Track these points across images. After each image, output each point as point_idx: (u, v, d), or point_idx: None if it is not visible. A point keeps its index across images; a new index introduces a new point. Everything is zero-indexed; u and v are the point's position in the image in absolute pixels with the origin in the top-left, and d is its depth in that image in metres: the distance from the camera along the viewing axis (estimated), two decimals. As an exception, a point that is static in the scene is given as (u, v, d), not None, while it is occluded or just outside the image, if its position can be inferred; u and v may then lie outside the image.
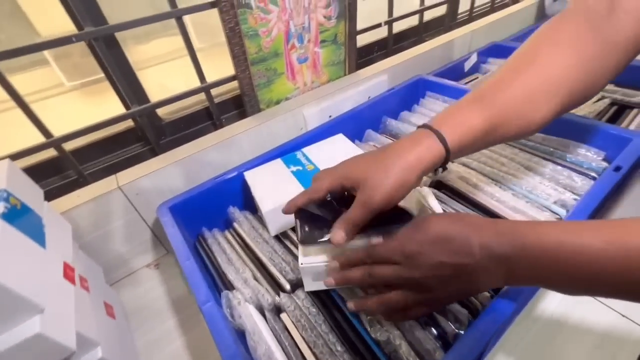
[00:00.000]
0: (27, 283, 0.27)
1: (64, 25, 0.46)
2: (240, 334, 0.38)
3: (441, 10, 0.96)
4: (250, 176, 0.52)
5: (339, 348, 0.36)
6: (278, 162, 0.55)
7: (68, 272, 0.35)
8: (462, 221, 0.29)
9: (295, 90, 0.67)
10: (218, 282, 0.44)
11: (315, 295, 0.41)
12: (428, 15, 0.92)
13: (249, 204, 0.55)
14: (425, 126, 0.34)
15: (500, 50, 0.90)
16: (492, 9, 1.13)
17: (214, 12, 0.51)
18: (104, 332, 0.36)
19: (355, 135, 0.69)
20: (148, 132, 0.57)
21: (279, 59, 0.60)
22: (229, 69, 0.58)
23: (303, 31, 0.61)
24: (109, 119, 0.52)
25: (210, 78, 0.58)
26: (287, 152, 0.58)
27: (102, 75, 0.52)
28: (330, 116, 0.68)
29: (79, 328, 0.31)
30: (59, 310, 0.30)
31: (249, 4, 0.51)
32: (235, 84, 0.60)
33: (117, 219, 0.51)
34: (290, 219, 0.37)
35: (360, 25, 0.71)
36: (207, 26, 0.81)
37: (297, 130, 0.65)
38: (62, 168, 0.54)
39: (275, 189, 0.49)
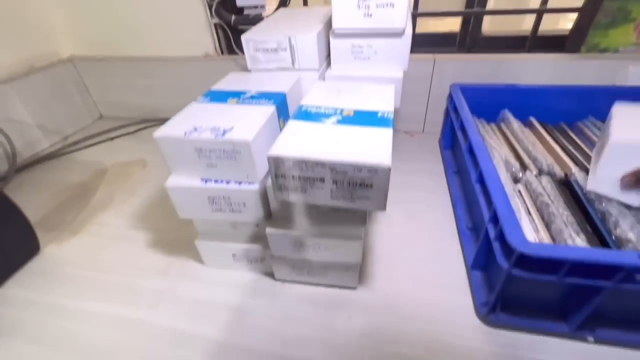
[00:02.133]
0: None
1: None
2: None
3: None
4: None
5: (573, 226, 0.38)
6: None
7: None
8: None
9: (633, 46, 0.61)
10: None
11: (562, 189, 0.44)
12: None
13: (524, 117, 0.60)
14: None
15: None
16: None
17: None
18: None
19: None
20: (467, 39, 0.70)
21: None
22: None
23: (698, -23, 0.53)
24: (449, 11, 0.67)
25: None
26: (589, 94, 0.57)
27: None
28: (660, 86, 0.59)
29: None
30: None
31: None
32: (563, 25, 0.62)
33: (414, 82, 0.68)
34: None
35: None
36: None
37: (608, 82, 0.61)
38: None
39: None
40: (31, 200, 0.62)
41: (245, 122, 0.33)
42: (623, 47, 0.62)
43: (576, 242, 0.35)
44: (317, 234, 0.36)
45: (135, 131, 0.85)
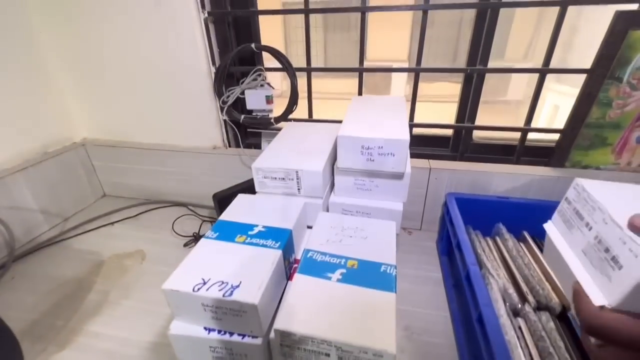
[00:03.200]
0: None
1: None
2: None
3: None
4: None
5: (572, 375, 0.38)
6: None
7: (402, 195, 0.57)
8: None
9: (612, 165, 0.66)
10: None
11: (560, 325, 0.44)
12: None
13: (517, 231, 0.63)
14: None
15: None
16: None
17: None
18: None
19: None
20: (460, 144, 0.76)
21: (616, 131, 0.62)
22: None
23: (663, 115, 0.59)
24: (446, 124, 0.73)
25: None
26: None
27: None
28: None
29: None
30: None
31: (621, 79, 0.57)
32: (547, 136, 0.68)
33: (412, 187, 0.72)
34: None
35: None
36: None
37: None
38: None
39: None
40: (24, 300, 0.60)
41: (253, 277, 0.35)
42: (604, 166, 0.67)
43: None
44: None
45: (138, 214, 0.86)
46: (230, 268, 0.36)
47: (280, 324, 0.30)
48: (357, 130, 0.44)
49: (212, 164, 0.83)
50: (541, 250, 0.58)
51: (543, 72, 0.64)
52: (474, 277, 0.45)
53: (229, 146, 0.85)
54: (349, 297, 0.33)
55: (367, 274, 0.35)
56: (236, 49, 0.73)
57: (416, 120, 0.75)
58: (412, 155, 0.78)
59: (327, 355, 0.29)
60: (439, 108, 1.14)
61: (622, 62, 0.56)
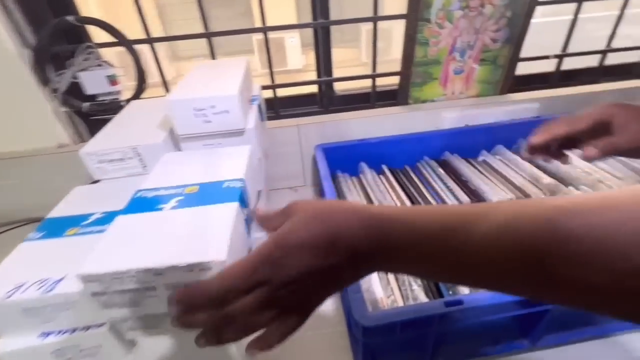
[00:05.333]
0: (259, 141, 0.50)
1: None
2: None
3: (633, 56, 0.89)
4: None
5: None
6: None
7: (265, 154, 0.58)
8: (328, 217, 0.25)
9: (442, 96, 0.79)
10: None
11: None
12: (613, 59, 0.87)
13: (377, 166, 0.71)
14: None
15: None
16: None
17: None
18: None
19: (485, 147, 0.75)
20: (324, 99, 0.80)
21: (437, 66, 0.74)
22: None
23: (467, 48, 0.72)
24: (306, 81, 0.77)
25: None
26: (417, 139, 0.71)
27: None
28: (466, 125, 0.77)
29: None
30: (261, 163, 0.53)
31: (428, 19, 0.66)
32: (394, 80, 0.77)
33: (286, 146, 0.75)
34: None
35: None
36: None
37: (432, 127, 0.77)
38: (272, 106, 0.82)
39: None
40: None
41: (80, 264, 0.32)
42: (437, 98, 0.79)
43: (414, 291, 0.42)
44: None
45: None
46: (53, 264, 0.32)
47: (84, 269, 0.27)
48: (186, 93, 0.42)
49: (61, 165, 0.71)
50: (395, 178, 0.67)
51: (373, 20, 0.70)
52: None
53: (83, 141, 0.74)
54: (180, 221, 0.31)
55: (208, 194, 0.34)
56: (50, 24, 0.61)
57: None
58: (285, 116, 0.80)
59: (153, 289, 0.28)
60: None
61: (426, 4, 0.65)
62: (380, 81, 0.79)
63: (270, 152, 0.75)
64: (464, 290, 0.42)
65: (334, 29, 0.74)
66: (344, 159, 0.70)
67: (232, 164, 0.39)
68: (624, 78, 0.88)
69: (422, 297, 0.41)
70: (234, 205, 0.33)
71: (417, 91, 0.77)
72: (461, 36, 0.70)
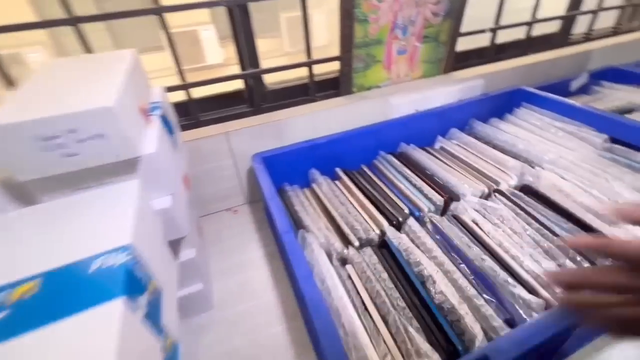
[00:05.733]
0: (170, 166, 0.34)
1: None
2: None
3: (552, 27, 0.91)
4: None
5: (400, 303, 0.37)
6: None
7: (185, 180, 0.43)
8: None
9: (387, 81, 0.70)
10: (293, 226, 0.49)
11: (382, 254, 0.43)
12: (538, 30, 0.88)
13: (331, 170, 0.60)
14: None
15: (618, 75, 0.82)
16: (615, 33, 1.03)
17: None
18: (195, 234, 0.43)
19: (439, 132, 0.69)
20: (254, 95, 0.66)
21: (380, 46, 0.64)
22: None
23: (409, 24, 0.64)
24: (228, 76, 0.61)
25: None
26: (370, 133, 0.62)
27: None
28: (416, 110, 0.70)
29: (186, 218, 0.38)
30: (178, 198, 0.37)
31: (366, -9, 0.56)
32: (333, 68, 0.66)
33: (215, 160, 0.60)
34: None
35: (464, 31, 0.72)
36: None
37: (382, 117, 0.68)
38: (188, 112, 0.64)
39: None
40: None
41: None
42: (382, 83, 0.70)
43: (410, 332, 0.33)
44: None
45: None
46: None
47: None
48: (22, 112, 0.25)
49: None
50: (354, 182, 0.57)
51: (302, -6, 0.58)
52: (289, 249, 0.38)
53: None
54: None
55: (58, 296, 0.19)
56: None
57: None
58: (207, 122, 0.64)
59: None
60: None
61: (362, -28, 0.54)
62: (316, 70, 0.68)
63: (194, 171, 0.58)
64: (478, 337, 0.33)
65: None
66: (289, 167, 0.58)
67: (108, 219, 0.24)
68: (546, 48, 0.90)
69: (426, 347, 0.32)
70: (116, 306, 0.18)
71: (360, 77, 0.67)
72: (402, 10, 0.62)
